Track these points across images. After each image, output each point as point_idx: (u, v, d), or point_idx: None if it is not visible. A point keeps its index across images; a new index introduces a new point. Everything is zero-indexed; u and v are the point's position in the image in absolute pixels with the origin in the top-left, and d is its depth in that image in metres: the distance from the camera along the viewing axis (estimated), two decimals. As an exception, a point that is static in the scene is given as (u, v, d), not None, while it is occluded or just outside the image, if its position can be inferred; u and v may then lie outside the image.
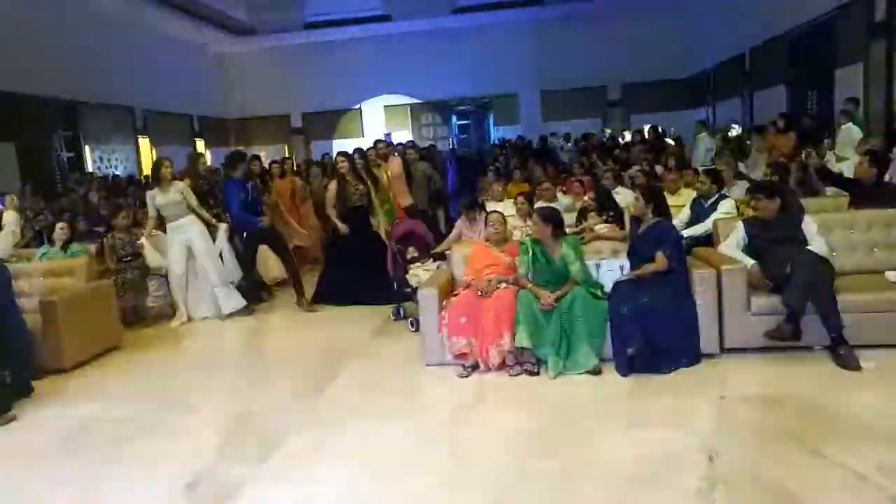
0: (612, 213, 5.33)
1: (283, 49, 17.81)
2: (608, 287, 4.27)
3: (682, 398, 3.60)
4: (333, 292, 6.32)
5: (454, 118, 18.81)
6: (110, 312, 5.41)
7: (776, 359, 4.00)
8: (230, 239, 6.47)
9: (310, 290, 6.45)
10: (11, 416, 3.99)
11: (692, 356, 4.02)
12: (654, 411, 3.48)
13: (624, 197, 6.01)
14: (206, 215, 6.25)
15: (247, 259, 6.41)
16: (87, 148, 13.15)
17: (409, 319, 5.30)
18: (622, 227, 4.99)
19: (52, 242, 5.95)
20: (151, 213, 6.14)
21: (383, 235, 6.25)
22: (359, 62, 17.39)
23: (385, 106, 18.26)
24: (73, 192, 9.84)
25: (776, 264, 4.05)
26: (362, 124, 18.30)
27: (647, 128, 12.83)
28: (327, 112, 18.34)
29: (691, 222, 5.27)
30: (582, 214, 5.59)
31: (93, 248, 6.22)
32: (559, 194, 7.10)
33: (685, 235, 4.89)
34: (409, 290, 5.35)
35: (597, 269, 4.50)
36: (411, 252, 5.64)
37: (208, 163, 6.63)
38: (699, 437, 3.13)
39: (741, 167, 7.66)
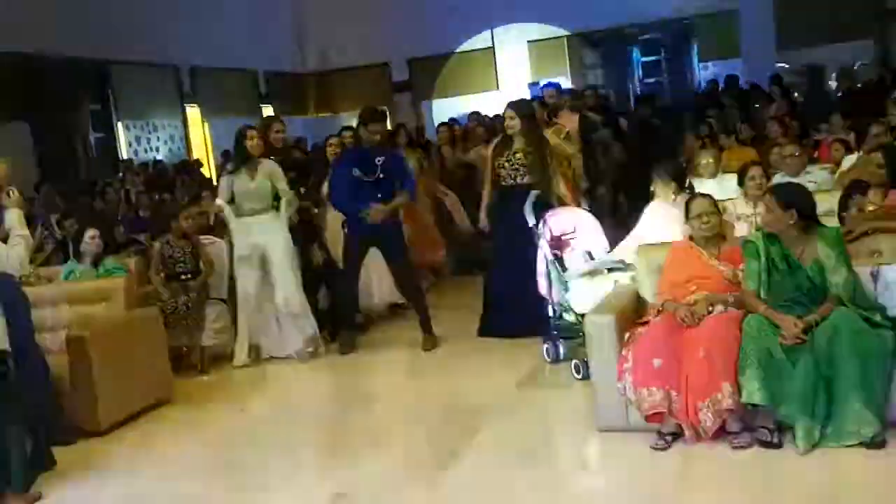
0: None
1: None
2: (895, 309, 4.06)
3: None
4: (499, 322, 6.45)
5: (636, 55, 18.50)
6: (158, 352, 5.88)
7: None
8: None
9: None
10: (35, 495, 4.42)
11: None
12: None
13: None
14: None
15: (350, 267, 6.71)
16: (119, 126, 14.36)
17: (574, 362, 5.31)
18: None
19: (79, 257, 6.57)
20: (221, 199, 6.60)
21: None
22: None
23: (529, 42, 18.25)
24: (107, 187, 10.78)
25: None
26: (496, 71, 18.44)
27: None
28: (443, 56, 18.64)
29: None
30: (850, 193, 5.32)
31: (132, 262, 6.80)
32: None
33: None
34: (572, 317, 5.36)
35: (874, 279, 4.28)
36: (574, 259, 5.65)
37: (283, 133, 6.99)
38: None
39: None
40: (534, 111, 6.70)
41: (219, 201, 6.70)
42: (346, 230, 6.74)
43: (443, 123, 10.98)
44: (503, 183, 6.48)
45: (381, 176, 6.49)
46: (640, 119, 10.43)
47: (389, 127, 10.56)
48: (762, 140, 8.53)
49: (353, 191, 6.50)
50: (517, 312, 6.20)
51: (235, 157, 6.71)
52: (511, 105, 6.66)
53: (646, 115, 10.55)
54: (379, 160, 6.52)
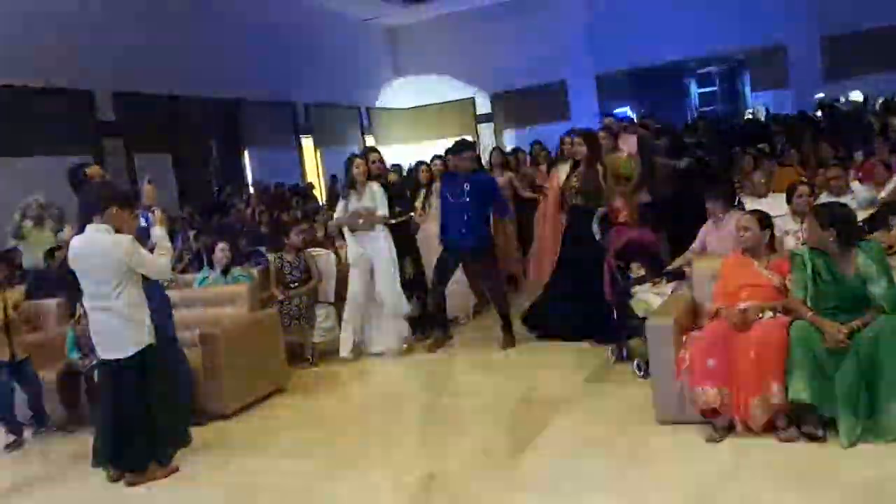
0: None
1: (466, 15, 18.50)
2: (932, 316, 3.89)
3: None
4: (549, 320, 6.41)
5: (693, 86, 18.19)
6: (276, 347, 6.04)
7: None
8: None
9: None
10: (174, 467, 4.61)
11: None
12: None
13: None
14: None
15: (439, 276, 6.71)
16: (246, 154, 14.81)
17: (636, 361, 5.25)
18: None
19: (212, 266, 6.79)
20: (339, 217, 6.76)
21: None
22: (561, 23, 17.52)
23: (598, 76, 18.16)
24: (233, 207, 11.14)
25: None
26: (567, 103, 18.39)
27: None
28: (520, 91, 18.70)
29: None
30: (892, 210, 5.14)
31: (255, 271, 6.99)
32: (854, 184, 6.60)
33: None
34: (634, 321, 5.29)
35: (913, 290, 4.11)
36: (636, 270, 5.57)
37: (379, 161, 7.09)
38: None
39: None
40: (597, 139, 6.60)
41: (337, 217, 6.83)
42: (442, 245, 6.75)
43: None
44: (570, 202, 6.42)
45: (468, 199, 6.49)
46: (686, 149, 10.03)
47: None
48: (807, 162, 8.27)
49: (445, 211, 6.58)
50: (575, 317, 6.17)
51: (346, 182, 6.85)
52: (576, 132, 6.62)
53: (691, 143, 10.09)
54: (467, 185, 6.54)
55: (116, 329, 4.39)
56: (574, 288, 6.19)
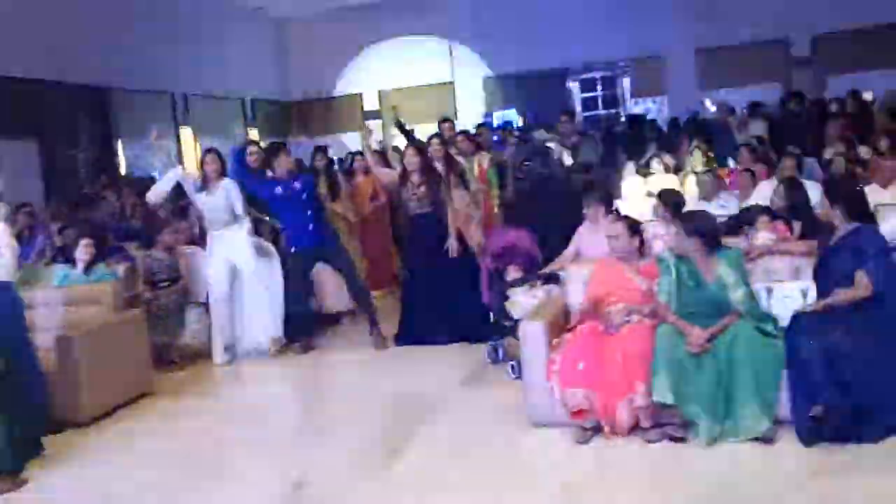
0: (793, 217, 5.10)
1: (355, 10, 18.34)
2: (785, 321, 4.09)
3: (892, 479, 3.40)
4: (413, 329, 6.43)
5: (576, 91, 18.67)
6: (141, 350, 5.75)
7: None
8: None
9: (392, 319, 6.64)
10: (23, 479, 4.30)
11: (910, 420, 3.75)
12: (849, 497, 3.31)
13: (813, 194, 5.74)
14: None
15: (297, 282, 6.58)
16: (119, 144, 14.14)
17: (510, 363, 5.29)
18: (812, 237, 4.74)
19: (73, 263, 6.40)
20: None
21: (475, 249, 6.33)
22: (449, 23, 17.63)
23: (485, 78, 18.41)
24: (104, 200, 10.56)
25: None
26: (455, 103, 18.54)
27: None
28: (410, 89, 18.71)
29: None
30: (747, 219, 5.38)
31: (121, 269, 6.64)
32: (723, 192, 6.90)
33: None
34: (509, 322, 5.33)
35: (768, 295, 4.31)
36: (513, 272, 5.62)
37: (256, 154, 6.83)
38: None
39: None
40: (426, 149, 6.69)
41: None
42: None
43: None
44: (412, 213, 6.49)
45: (304, 197, 6.45)
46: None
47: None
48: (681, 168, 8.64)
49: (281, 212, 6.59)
50: (433, 322, 6.25)
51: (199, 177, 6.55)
52: (412, 145, 6.71)
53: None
54: (297, 184, 6.45)
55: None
56: (441, 293, 6.22)
